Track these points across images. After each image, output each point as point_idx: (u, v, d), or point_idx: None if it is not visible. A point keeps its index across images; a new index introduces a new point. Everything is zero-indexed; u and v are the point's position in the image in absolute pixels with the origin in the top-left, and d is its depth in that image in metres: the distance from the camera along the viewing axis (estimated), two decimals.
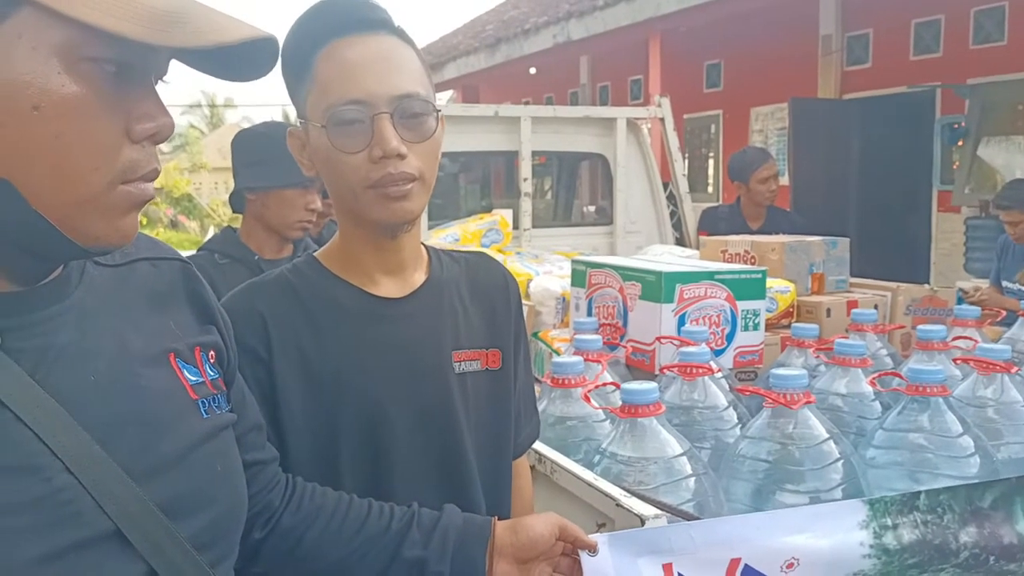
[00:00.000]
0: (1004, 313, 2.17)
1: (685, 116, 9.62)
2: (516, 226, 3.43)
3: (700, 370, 1.57)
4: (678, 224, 4.04)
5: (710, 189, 9.84)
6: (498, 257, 2.98)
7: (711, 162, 9.83)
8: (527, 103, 13.25)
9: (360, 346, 1.02)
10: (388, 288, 1.05)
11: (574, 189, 3.97)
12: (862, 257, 5.11)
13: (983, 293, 4.21)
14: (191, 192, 24.86)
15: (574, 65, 10.76)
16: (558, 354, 2.19)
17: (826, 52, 7.57)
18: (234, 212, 2.03)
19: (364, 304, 1.04)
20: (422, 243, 1.11)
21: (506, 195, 3.62)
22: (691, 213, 3.82)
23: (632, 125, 3.72)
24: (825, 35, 7.58)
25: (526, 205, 3.47)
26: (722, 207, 4.41)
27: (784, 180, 7.69)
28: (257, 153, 1.93)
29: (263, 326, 0.99)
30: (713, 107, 9.45)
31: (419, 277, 1.08)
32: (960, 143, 6.73)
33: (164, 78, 0.65)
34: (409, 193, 0.98)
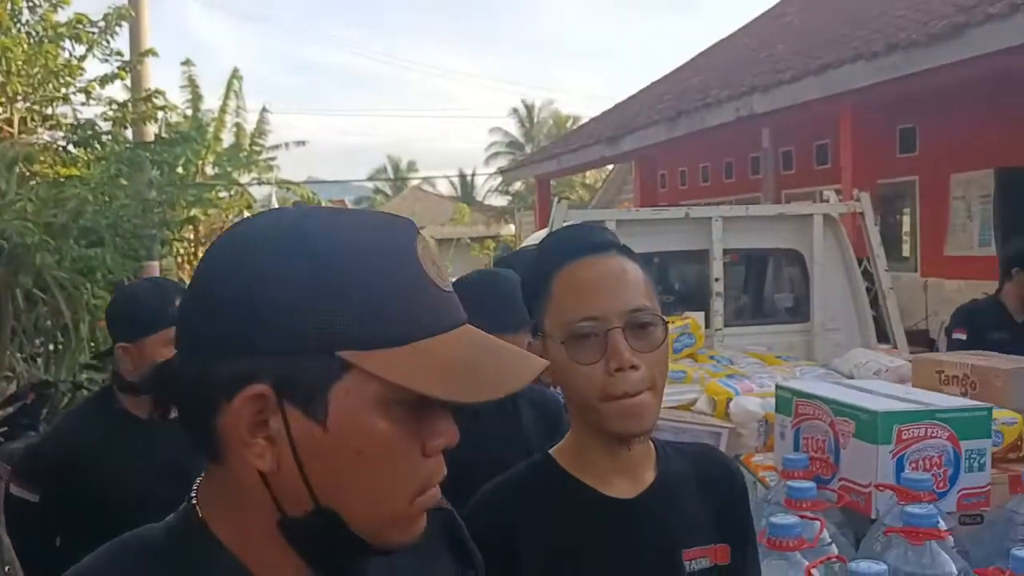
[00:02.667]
0: None
1: (881, 181, 9.21)
2: (708, 326, 3.42)
3: (928, 534, 1.51)
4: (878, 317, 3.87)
5: (906, 254, 9.31)
6: (692, 364, 2.98)
7: (904, 230, 9.31)
8: (705, 167, 13.15)
9: (594, 548, 1.08)
10: (621, 487, 1.11)
11: (766, 286, 3.90)
12: None
13: None
14: None
15: (756, 132, 10.61)
16: (763, 485, 2.16)
17: None
18: None
19: (598, 506, 1.10)
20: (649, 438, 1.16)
21: (697, 295, 3.62)
22: (895, 309, 3.66)
23: (830, 220, 3.63)
24: None
25: (717, 305, 3.46)
26: (979, 301, 4.22)
27: (991, 251, 7.18)
28: (473, 302, 2.06)
29: (509, 527, 1.07)
30: (908, 173, 8.99)
31: (649, 475, 1.12)
32: None
33: None
34: (643, 405, 1.04)
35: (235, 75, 13.00)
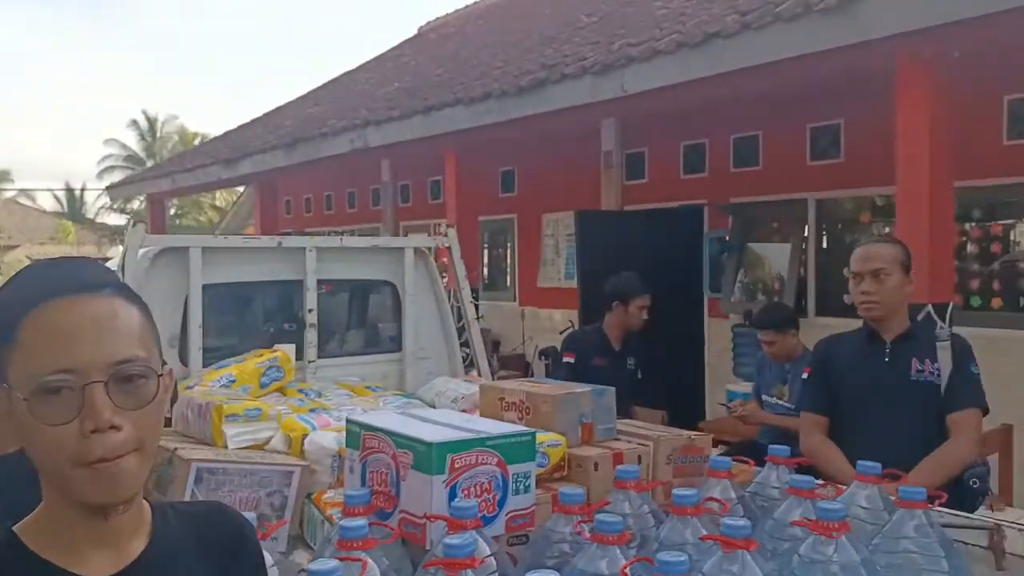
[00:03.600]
0: (753, 464, 2.34)
1: (484, 218, 9.95)
2: (300, 358, 3.33)
3: (462, 564, 1.56)
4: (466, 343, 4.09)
5: (508, 284, 10.14)
6: (275, 400, 2.87)
7: (508, 263, 10.16)
8: (329, 196, 13.18)
9: None
10: (99, 564, 0.95)
11: (363, 317, 3.93)
12: (651, 359, 5.40)
13: (745, 408, 4.57)
14: None
15: (376, 165, 10.88)
16: (329, 523, 2.12)
17: (607, 166, 8.11)
18: None
19: None
20: (145, 499, 1.03)
21: (291, 326, 3.52)
22: (479, 338, 3.89)
23: (420, 253, 3.76)
24: (606, 151, 8.15)
25: (311, 336, 3.39)
26: (587, 329, 4.61)
27: (574, 284, 8.09)
28: None
29: None
30: (509, 211, 9.83)
31: (138, 545, 0.99)
32: (725, 256, 7.39)
33: None
34: (124, 472, 0.90)
35: None
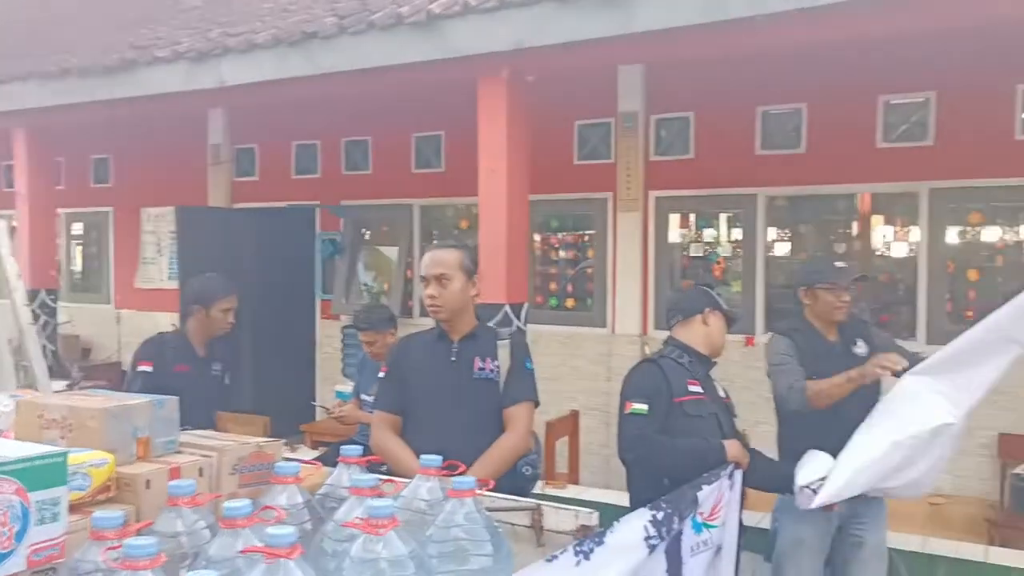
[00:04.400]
0: (320, 466, 2.33)
1: (72, 210, 8.90)
2: None
3: None
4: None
5: (102, 284, 9.17)
6: None
7: (102, 262, 9.17)
8: None
9: None
10: None
11: None
12: (260, 363, 5.20)
13: (343, 409, 4.61)
14: None
15: None
16: None
17: (215, 161, 7.72)
18: None
19: None
20: None
21: None
22: (35, 347, 3.42)
23: None
24: (214, 144, 7.74)
25: None
26: (168, 335, 4.21)
27: (175, 285, 7.56)
28: None
29: None
30: (103, 204, 8.89)
31: None
32: (337, 258, 7.44)
33: None
34: None
35: None
